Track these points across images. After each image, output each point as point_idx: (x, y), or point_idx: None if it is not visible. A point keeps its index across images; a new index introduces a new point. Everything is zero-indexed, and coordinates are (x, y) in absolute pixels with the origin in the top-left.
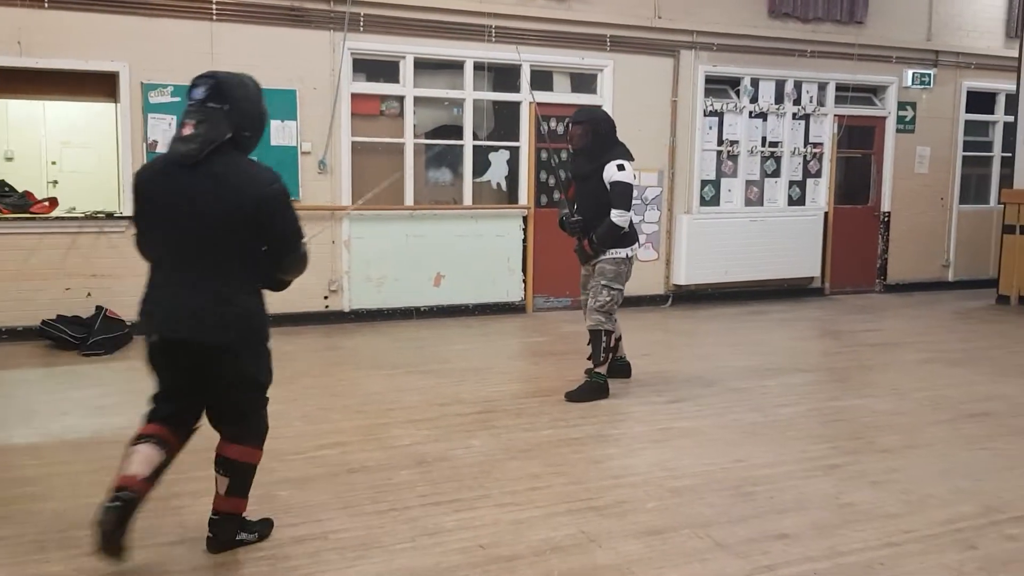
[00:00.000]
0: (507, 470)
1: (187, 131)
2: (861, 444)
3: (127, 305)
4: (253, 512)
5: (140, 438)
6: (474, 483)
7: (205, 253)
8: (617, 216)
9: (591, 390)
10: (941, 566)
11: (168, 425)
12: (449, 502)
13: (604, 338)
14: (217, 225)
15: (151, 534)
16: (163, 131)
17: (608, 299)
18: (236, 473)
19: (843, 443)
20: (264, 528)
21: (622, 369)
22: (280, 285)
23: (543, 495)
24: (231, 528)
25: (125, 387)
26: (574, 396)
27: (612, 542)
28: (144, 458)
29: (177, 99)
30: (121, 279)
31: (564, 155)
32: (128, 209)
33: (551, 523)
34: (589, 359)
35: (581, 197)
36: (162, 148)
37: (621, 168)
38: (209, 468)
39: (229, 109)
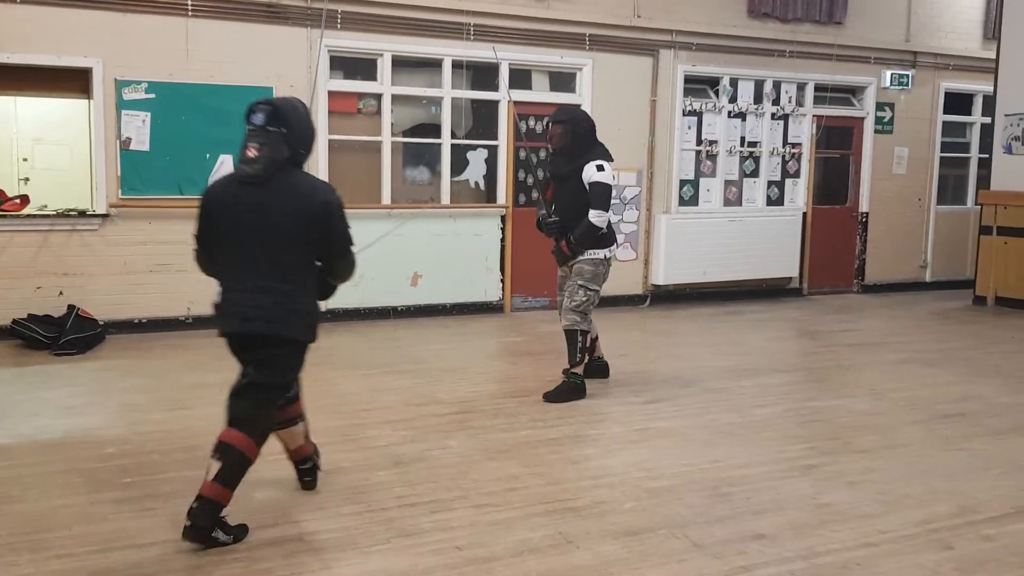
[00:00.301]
0: (484, 471)
1: (251, 153)
2: (838, 444)
3: (99, 304)
4: (228, 512)
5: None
6: (451, 484)
7: (273, 259)
8: (595, 217)
9: (568, 390)
10: (917, 566)
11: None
12: (426, 503)
13: (580, 338)
14: (284, 234)
15: (125, 536)
16: (137, 128)
17: (584, 299)
18: (230, 459)
19: (820, 443)
20: (240, 533)
21: (600, 369)
22: (329, 291)
23: (520, 496)
24: (210, 515)
25: (97, 387)
26: (552, 396)
27: (590, 543)
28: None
29: (151, 96)
30: (94, 278)
31: (543, 154)
32: (101, 207)
33: (528, 524)
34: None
35: (560, 197)
36: (136, 145)
37: (600, 169)
38: (181, 470)
39: (287, 132)
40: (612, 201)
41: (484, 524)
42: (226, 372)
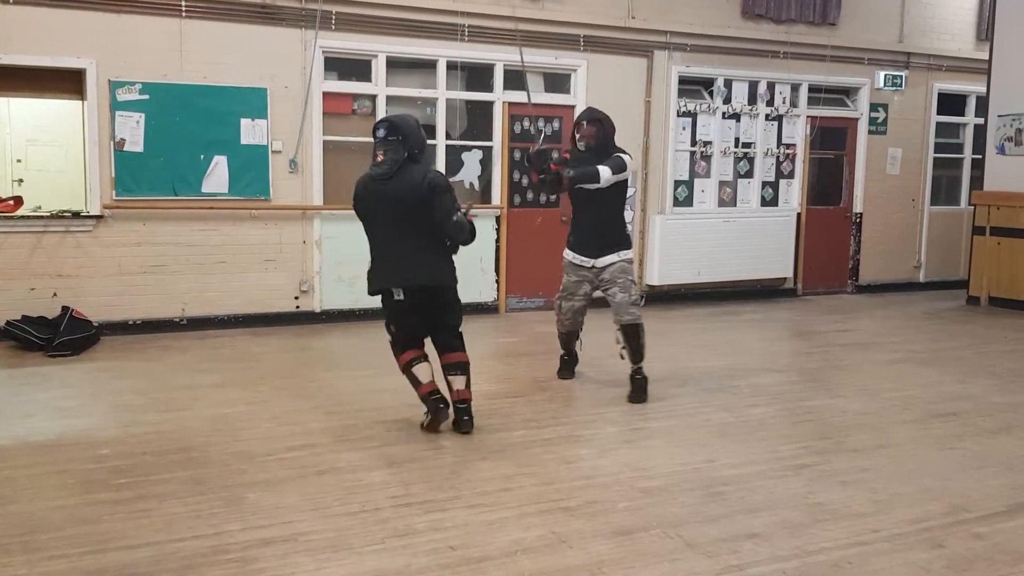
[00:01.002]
0: (478, 471)
1: (380, 158)
2: (831, 444)
3: (93, 305)
4: (215, 513)
5: (412, 361)
6: (445, 484)
7: (408, 230)
8: (602, 171)
9: (645, 386)
10: (909, 565)
11: (418, 347)
12: (420, 503)
13: (642, 332)
14: (411, 210)
15: (119, 537)
16: (131, 129)
17: (638, 293)
18: (466, 371)
19: (813, 443)
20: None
21: (569, 365)
22: (455, 246)
23: (514, 496)
24: (470, 409)
25: (91, 388)
26: (639, 397)
27: (583, 542)
28: (425, 370)
29: (145, 96)
30: (88, 279)
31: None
32: (95, 208)
33: (522, 524)
34: (627, 358)
35: (589, 199)
36: (130, 146)
37: (624, 152)
38: (175, 472)
39: (403, 139)
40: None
41: (478, 524)
42: (219, 373)
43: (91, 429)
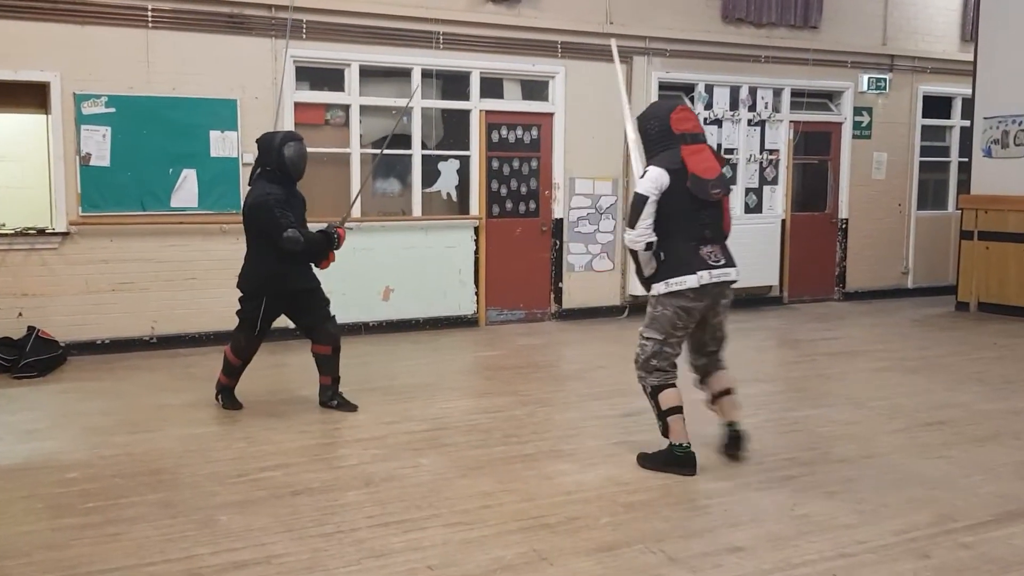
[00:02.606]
0: (457, 488)
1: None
2: (817, 455)
3: (60, 325)
4: (187, 537)
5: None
6: (423, 502)
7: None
8: (626, 236)
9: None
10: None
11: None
12: (397, 523)
13: (648, 398)
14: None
15: (88, 562)
16: (97, 143)
17: (638, 351)
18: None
19: (799, 454)
20: None
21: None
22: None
23: (494, 513)
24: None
25: (58, 410)
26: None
27: (564, 559)
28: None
29: (112, 110)
30: (54, 298)
31: (517, 163)
32: (61, 224)
33: (502, 542)
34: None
35: None
36: (96, 161)
37: (643, 176)
38: (145, 495)
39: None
40: (601, 213)
41: (457, 543)
42: (190, 392)
43: (59, 452)
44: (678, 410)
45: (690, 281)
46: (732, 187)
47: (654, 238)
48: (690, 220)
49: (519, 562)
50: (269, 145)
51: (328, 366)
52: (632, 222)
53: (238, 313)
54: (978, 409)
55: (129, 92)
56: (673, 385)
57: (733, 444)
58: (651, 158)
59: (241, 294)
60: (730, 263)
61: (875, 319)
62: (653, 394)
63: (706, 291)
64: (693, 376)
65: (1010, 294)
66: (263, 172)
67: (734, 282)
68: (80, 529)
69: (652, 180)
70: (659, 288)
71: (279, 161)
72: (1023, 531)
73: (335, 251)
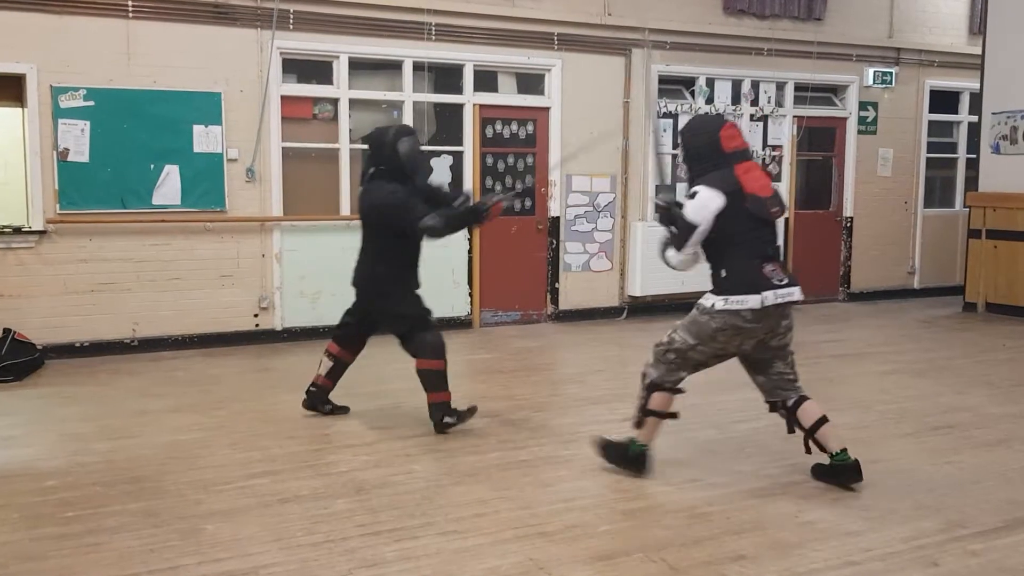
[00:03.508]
0: (451, 496)
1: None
2: (822, 459)
3: (37, 327)
4: (171, 547)
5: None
6: (416, 510)
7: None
8: (667, 253)
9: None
10: None
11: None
12: (389, 531)
13: (642, 388)
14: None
15: (68, 574)
16: (75, 137)
17: (666, 340)
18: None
19: (803, 459)
20: None
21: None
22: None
23: (489, 521)
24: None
25: (36, 416)
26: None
27: (562, 569)
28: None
29: (91, 103)
30: (31, 299)
31: (511, 159)
32: (38, 222)
33: (498, 551)
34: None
35: None
36: (75, 156)
37: (693, 196)
38: (126, 503)
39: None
40: (598, 213)
41: (451, 552)
42: (173, 397)
43: (36, 459)
44: (661, 415)
45: (751, 301)
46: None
47: (699, 261)
48: (751, 238)
49: (515, 572)
50: (381, 142)
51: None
52: (678, 246)
53: (406, 321)
54: (987, 412)
55: (109, 85)
56: (673, 390)
57: (848, 475)
58: (698, 176)
59: (392, 309)
60: (793, 282)
61: (881, 320)
62: (649, 388)
63: (767, 313)
64: (766, 402)
65: (1019, 294)
66: (378, 172)
67: (798, 302)
68: (59, 539)
69: (703, 206)
70: (717, 303)
71: (393, 158)
72: None
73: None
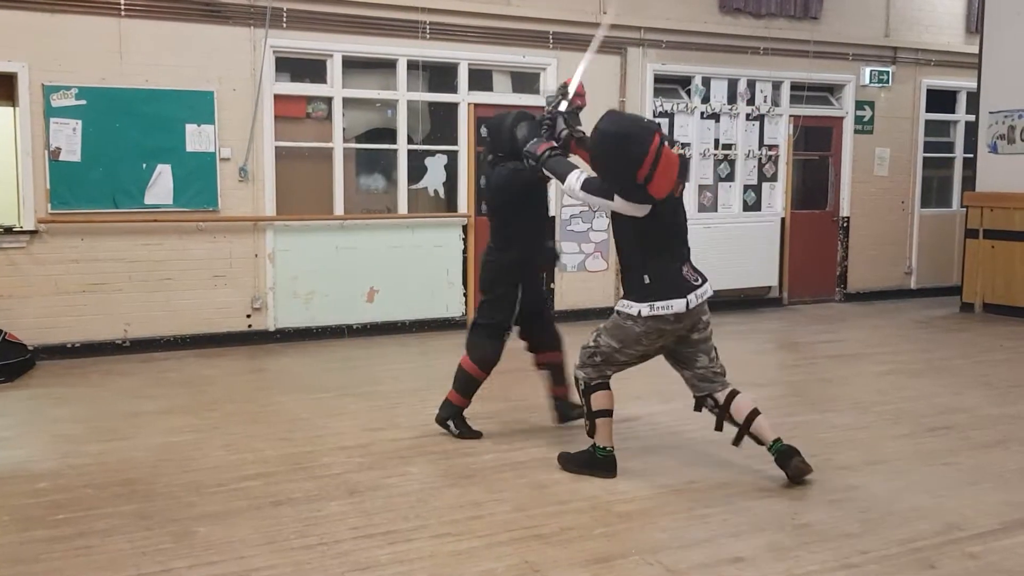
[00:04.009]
0: (446, 498)
1: None
2: (819, 461)
3: (29, 328)
4: (163, 550)
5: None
6: (410, 513)
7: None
8: (574, 177)
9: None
10: None
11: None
12: (383, 534)
13: (581, 395)
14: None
15: None
16: (67, 136)
17: (591, 344)
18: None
19: None
20: None
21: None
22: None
23: (484, 524)
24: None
25: (27, 417)
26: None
27: (557, 572)
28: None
29: (82, 102)
30: (22, 299)
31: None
32: (29, 222)
33: (493, 554)
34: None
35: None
36: (66, 155)
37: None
38: (118, 506)
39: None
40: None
41: (445, 555)
42: (166, 398)
43: (27, 461)
44: (608, 413)
45: (677, 306)
46: (723, 183)
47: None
48: (672, 238)
49: (511, 575)
50: (499, 128)
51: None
52: (585, 190)
53: (484, 316)
54: (984, 413)
55: (101, 84)
56: (606, 387)
57: (787, 460)
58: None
59: (486, 294)
60: (704, 278)
61: (877, 321)
62: (586, 392)
63: (690, 313)
64: (693, 398)
65: (1016, 295)
66: (496, 159)
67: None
68: (50, 542)
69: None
70: (643, 310)
71: (512, 145)
72: None
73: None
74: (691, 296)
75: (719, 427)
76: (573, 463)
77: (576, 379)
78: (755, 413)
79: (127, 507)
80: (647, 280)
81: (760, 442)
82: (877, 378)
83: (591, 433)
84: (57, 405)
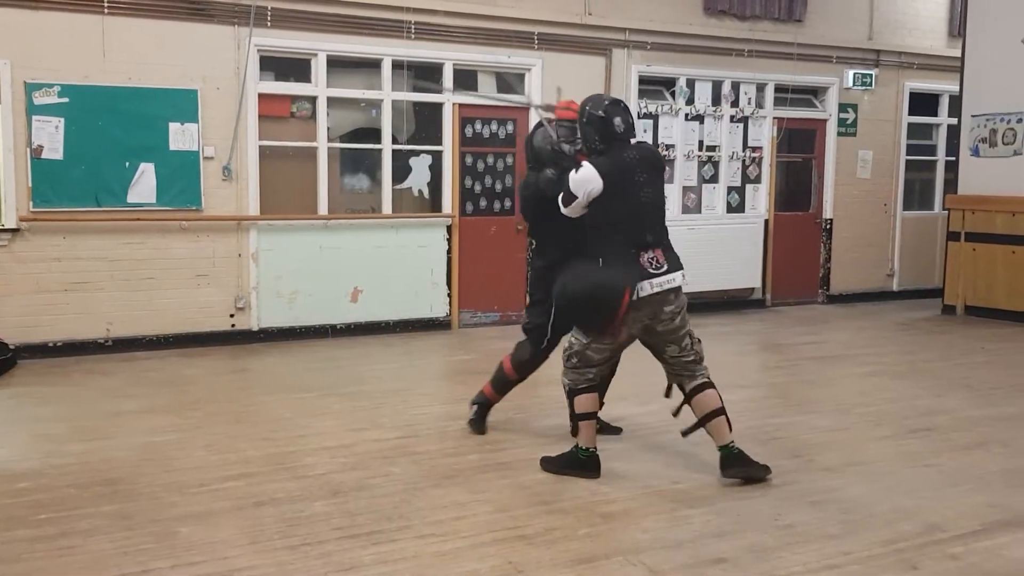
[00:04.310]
0: (429, 499)
1: None
2: (801, 463)
3: (9, 327)
4: (145, 550)
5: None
6: (394, 513)
7: None
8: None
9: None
10: None
11: None
12: (367, 534)
13: (567, 396)
14: None
15: None
16: (49, 134)
17: (567, 347)
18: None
19: (782, 462)
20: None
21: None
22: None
23: (468, 524)
24: None
25: (8, 417)
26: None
27: (541, 572)
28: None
29: (65, 100)
30: (3, 298)
31: (490, 159)
32: (10, 220)
33: (476, 554)
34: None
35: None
36: (48, 153)
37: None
38: (100, 505)
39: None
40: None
41: (429, 556)
42: (148, 398)
43: (8, 461)
44: (592, 416)
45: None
46: (707, 185)
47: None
48: (630, 224)
49: (494, 575)
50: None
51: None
52: (566, 203)
53: (527, 323)
54: (965, 415)
55: (84, 81)
56: (591, 390)
57: (732, 464)
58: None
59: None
60: (673, 268)
61: (860, 322)
62: (570, 394)
63: (645, 301)
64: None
65: (997, 297)
66: (529, 168)
67: (677, 288)
68: (31, 542)
69: (582, 183)
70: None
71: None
72: (1013, 541)
73: None
74: (644, 283)
75: (676, 412)
76: (556, 464)
77: (563, 383)
78: (718, 412)
79: (109, 507)
80: (600, 264)
81: (713, 437)
82: (859, 380)
83: (575, 433)
84: (39, 404)
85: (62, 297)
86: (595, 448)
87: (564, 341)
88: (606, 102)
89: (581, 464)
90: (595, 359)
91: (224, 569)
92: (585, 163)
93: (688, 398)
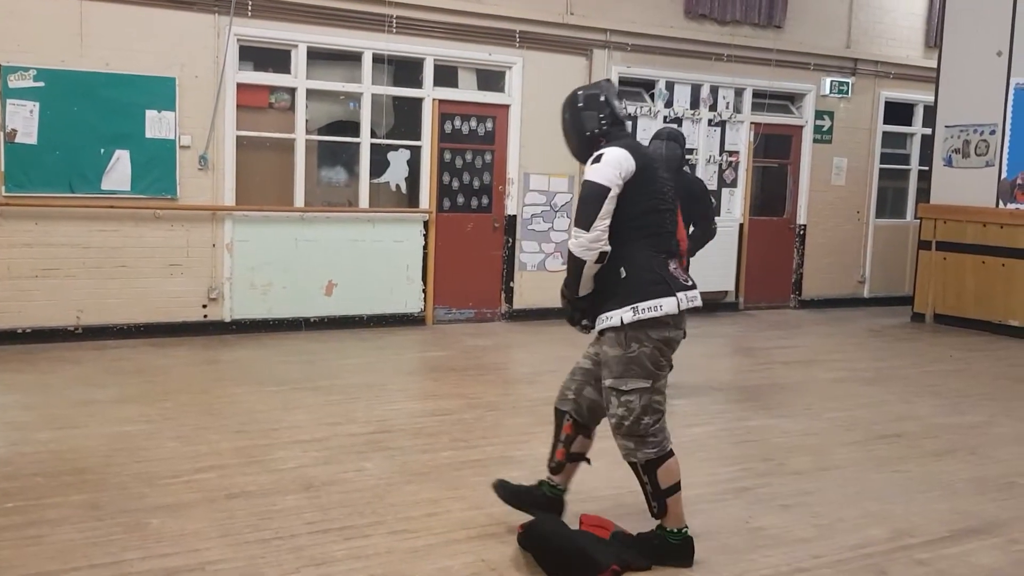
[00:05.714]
0: (402, 494)
1: None
2: (772, 466)
3: None
4: (114, 540)
5: None
6: (366, 509)
7: None
8: (572, 239)
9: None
10: None
11: None
12: (339, 529)
13: (644, 474)
14: None
15: (7, 566)
16: (24, 119)
17: (623, 413)
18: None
19: (754, 465)
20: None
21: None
22: None
23: (441, 521)
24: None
25: None
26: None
27: (514, 571)
28: None
29: (40, 84)
30: None
31: (469, 156)
32: None
33: (449, 551)
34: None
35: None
36: (22, 138)
37: (599, 159)
38: (68, 495)
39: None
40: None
41: (402, 552)
42: (118, 387)
43: None
44: (679, 487)
45: (668, 305)
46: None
47: (608, 247)
48: (658, 225)
49: (466, 572)
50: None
51: None
52: (584, 221)
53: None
54: (934, 422)
55: (60, 66)
56: (672, 453)
57: (554, 506)
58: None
59: None
60: (694, 284)
61: (831, 328)
62: (648, 468)
63: (683, 318)
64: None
65: (967, 306)
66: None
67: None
68: None
69: (615, 164)
70: (624, 316)
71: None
72: (979, 548)
73: None
74: (682, 295)
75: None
76: (639, 557)
77: (630, 462)
78: (580, 459)
79: (78, 497)
80: (623, 274)
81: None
82: (830, 385)
83: (661, 514)
84: (6, 392)
85: (32, 283)
86: (687, 528)
87: (613, 408)
88: (599, 87)
89: (676, 551)
90: (662, 402)
91: (195, 562)
92: (606, 147)
93: (575, 434)
